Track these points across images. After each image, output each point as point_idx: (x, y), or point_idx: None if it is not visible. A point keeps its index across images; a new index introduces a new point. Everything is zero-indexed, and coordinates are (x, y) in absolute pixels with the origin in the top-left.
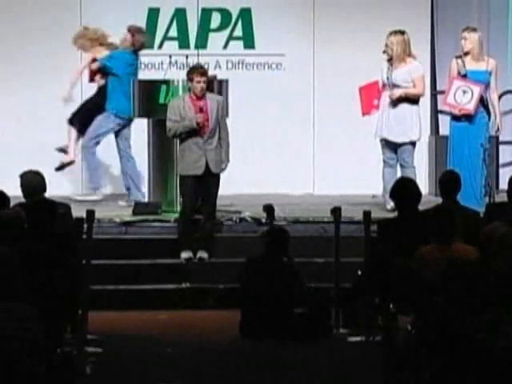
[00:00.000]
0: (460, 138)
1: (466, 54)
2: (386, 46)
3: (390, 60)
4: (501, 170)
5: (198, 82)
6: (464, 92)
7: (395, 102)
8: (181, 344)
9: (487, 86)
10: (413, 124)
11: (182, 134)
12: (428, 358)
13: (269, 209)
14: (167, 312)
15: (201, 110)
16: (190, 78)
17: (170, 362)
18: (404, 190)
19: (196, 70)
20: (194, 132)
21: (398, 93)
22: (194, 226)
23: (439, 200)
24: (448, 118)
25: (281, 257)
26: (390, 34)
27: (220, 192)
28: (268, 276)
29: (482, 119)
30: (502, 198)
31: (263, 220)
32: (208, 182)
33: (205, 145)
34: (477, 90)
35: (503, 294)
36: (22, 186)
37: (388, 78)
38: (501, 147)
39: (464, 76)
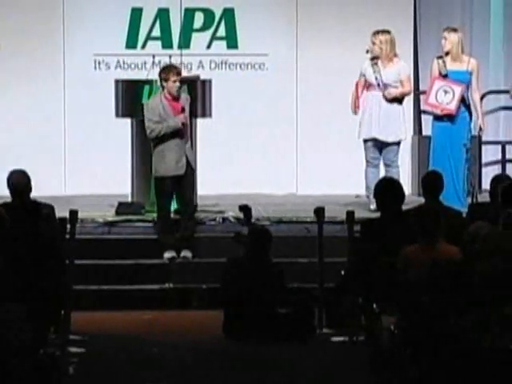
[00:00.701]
0: (442, 138)
1: (447, 53)
2: (374, 44)
3: (373, 59)
4: (483, 170)
5: (175, 81)
6: (445, 92)
7: (387, 101)
8: (165, 344)
9: (468, 86)
10: (401, 123)
11: (164, 135)
12: (413, 358)
13: (245, 209)
14: (151, 312)
15: (183, 110)
16: (165, 78)
17: (155, 362)
18: (388, 189)
19: (172, 70)
20: (176, 132)
21: (394, 93)
22: (175, 226)
23: (421, 200)
24: (431, 118)
25: (263, 257)
26: (377, 33)
27: (204, 192)
28: (250, 276)
29: (464, 119)
30: (484, 197)
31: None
32: (187, 181)
33: (184, 144)
34: (458, 89)
35: (488, 294)
36: (12, 185)
37: (377, 78)
38: (483, 147)
39: (445, 76)
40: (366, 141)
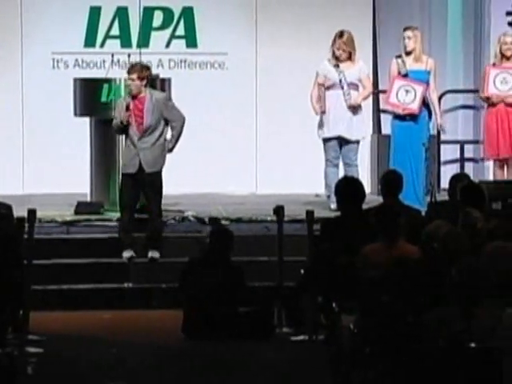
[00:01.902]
0: (402, 138)
1: (408, 53)
2: (340, 45)
3: (336, 59)
4: (442, 169)
5: (133, 79)
6: (407, 91)
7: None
8: (124, 344)
9: (428, 85)
10: (363, 122)
11: (118, 132)
12: (372, 357)
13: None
14: (110, 312)
15: (127, 108)
16: (129, 77)
17: (114, 361)
18: (350, 188)
19: (132, 68)
20: (127, 131)
21: (359, 100)
22: (138, 225)
23: (380, 199)
24: (390, 117)
25: (224, 256)
26: (343, 33)
27: (164, 191)
28: (211, 276)
29: (423, 119)
30: (443, 196)
31: (206, 220)
32: (144, 180)
33: (139, 143)
34: (420, 89)
35: (463, 293)
36: None
37: (341, 80)
38: (442, 146)
39: (405, 76)
40: (327, 140)
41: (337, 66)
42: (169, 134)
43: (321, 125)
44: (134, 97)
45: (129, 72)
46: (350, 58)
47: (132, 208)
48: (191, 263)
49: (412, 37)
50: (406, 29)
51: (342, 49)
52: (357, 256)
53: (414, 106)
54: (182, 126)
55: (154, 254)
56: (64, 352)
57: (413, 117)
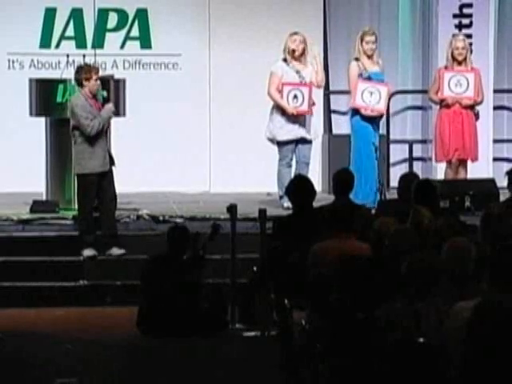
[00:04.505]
0: (362, 138)
1: (369, 56)
2: (298, 45)
3: (292, 59)
4: (391, 168)
5: (96, 80)
6: (371, 93)
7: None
8: (78, 340)
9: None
10: (316, 122)
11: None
12: (323, 353)
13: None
14: (64, 309)
15: (102, 105)
16: (86, 78)
17: (68, 357)
18: (301, 187)
19: (93, 70)
20: (102, 128)
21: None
22: (97, 223)
23: (331, 197)
24: (341, 117)
25: (181, 254)
26: (296, 33)
27: (118, 190)
28: (166, 273)
29: (373, 118)
30: (392, 194)
31: (160, 218)
32: (109, 177)
33: (107, 141)
34: (384, 90)
35: (411, 289)
36: None
37: (301, 82)
38: (391, 146)
39: (367, 78)
40: (286, 143)
41: (292, 65)
42: None
43: (278, 127)
44: (93, 97)
45: (95, 73)
46: (305, 57)
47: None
48: (149, 261)
49: (373, 40)
50: (369, 33)
51: (300, 47)
52: (308, 253)
53: (381, 107)
54: None
55: (118, 251)
56: (17, 348)
57: (369, 117)
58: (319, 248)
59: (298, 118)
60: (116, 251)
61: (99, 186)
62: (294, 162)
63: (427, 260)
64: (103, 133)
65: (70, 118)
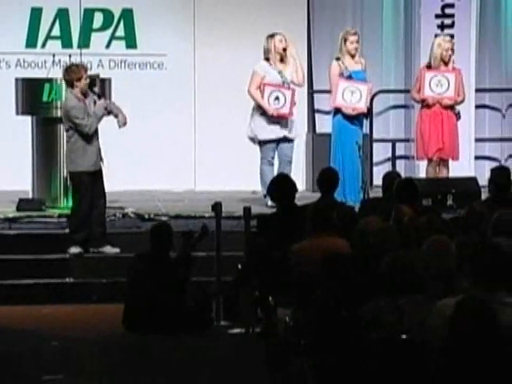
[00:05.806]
0: (345, 136)
1: (353, 56)
2: (285, 44)
3: (279, 59)
4: (374, 167)
5: (86, 78)
6: (352, 92)
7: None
8: (65, 337)
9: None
10: (297, 121)
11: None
12: (307, 350)
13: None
14: (51, 306)
15: (94, 103)
16: (77, 78)
17: (55, 355)
18: (283, 186)
19: (82, 69)
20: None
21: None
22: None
23: (316, 196)
24: (325, 116)
25: (165, 252)
26: (278, 34)
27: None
28: (151, 271)
29: (357, 117)
30: (376, 193)
31: (146, 216)
32: (101, 175)
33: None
34: (364, 88)
35: (394, 287)
36: None
37: (284, 82)
38: (374, 144)
39: (348, 77)
40: (268, 142)
41: (275, 65)
42: None
43: (261, 127)
44: (84, 96)
45: (84, 72)
46: (287, 57)
47: None
48: (135, 258)
49: (356, 40)
50: (352, 33)
51: (285, 48)
52: (290, 251)
53: (362, 105)
54: None
55: (114, 249)
56: (4, 346)
57: (352, 116)
58: (301, 246)
59: (279, 118)
60: (110, 250)
61: (90, 184)
62: (276, 161)
63: (408, 258)
64: (95, 131)
65: (64, 121)
